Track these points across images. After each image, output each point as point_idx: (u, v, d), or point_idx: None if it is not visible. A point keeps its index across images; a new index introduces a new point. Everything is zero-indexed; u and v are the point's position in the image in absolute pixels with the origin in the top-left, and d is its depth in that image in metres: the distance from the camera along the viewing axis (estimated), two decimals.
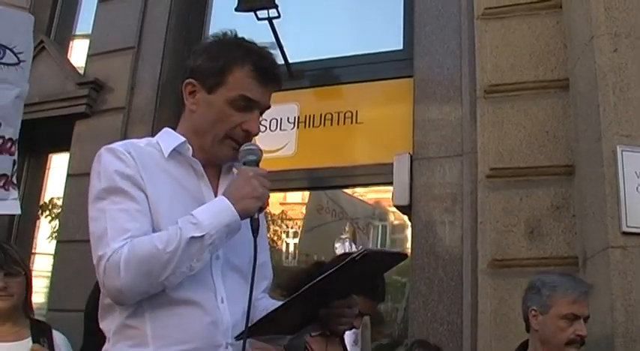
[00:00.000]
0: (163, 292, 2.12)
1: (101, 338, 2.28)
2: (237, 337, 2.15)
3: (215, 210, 2.14)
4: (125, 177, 2.19)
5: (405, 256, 2.30)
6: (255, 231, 2.16)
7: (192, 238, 2.06)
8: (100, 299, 2.25)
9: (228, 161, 2.37)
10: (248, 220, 2.17)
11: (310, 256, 7.59)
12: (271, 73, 2.37)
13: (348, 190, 7.46)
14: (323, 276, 2.06)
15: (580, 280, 3.54)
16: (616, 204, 3.91)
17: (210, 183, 2.35)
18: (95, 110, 6.93)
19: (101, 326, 2.26)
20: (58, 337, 3.48)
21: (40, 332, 3.40)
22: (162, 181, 2.26)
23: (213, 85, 2.32)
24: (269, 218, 8.56)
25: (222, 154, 2.34)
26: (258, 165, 2.27)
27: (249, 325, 2.11)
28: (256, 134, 2.37)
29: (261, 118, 2.41)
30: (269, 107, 2.40)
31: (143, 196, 2.19)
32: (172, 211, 2.17)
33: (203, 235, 2.07)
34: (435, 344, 4.07)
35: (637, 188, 3.95)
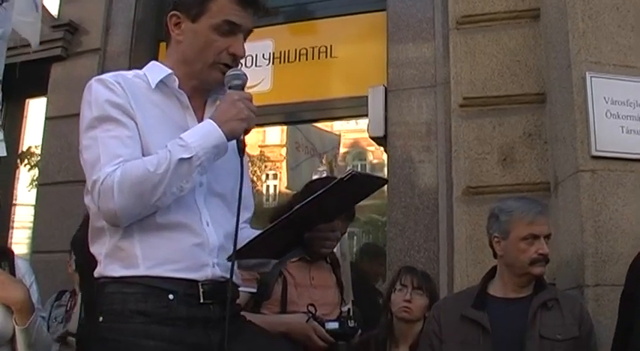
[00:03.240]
0: (152, 216, 2.22)
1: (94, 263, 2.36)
2: (228, 259, 2.25)
3: (202, 132, 2.23)
4: (116, 105, 2.27)
5: (386, 180, 2.39)
6: (241, 151, 2.26)
7: (181, 159, 2.15)
8: (91, 223, 2.34)
9: (218, 85, 2.43)
10: (234, 146, 2.26)
11: (290, 195, 7.66)
12: None
13: (326, 126, 7.50)
14: (312, 197, 2.16)
15: (534, 200, 3.57)
16: (585, 129, 3.98)
17: (195, 114, 2.43)
18: (71, 53, 6.87)
19: (91, 250, 2.35)
20: (20, 262, 3.40)
21: (1, 257, 3.36)
22: (149, 111, 2.34)
23: (197, 13, 2.40)
24: (248, 159, 8.64)
25: (212, 78, 2.42)
26: (243, 89, 2.35)
27: (239, 247, 2.21)
28: (242, 57, 2.45)
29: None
30: (252, 31, 2.48)
31: (133, 124, 2.27)
32: (160, 138, 2.25)
33: (191, 157, 2.17)
34: (422, 270, 4.15)
35: (605, 113, 4.02)
